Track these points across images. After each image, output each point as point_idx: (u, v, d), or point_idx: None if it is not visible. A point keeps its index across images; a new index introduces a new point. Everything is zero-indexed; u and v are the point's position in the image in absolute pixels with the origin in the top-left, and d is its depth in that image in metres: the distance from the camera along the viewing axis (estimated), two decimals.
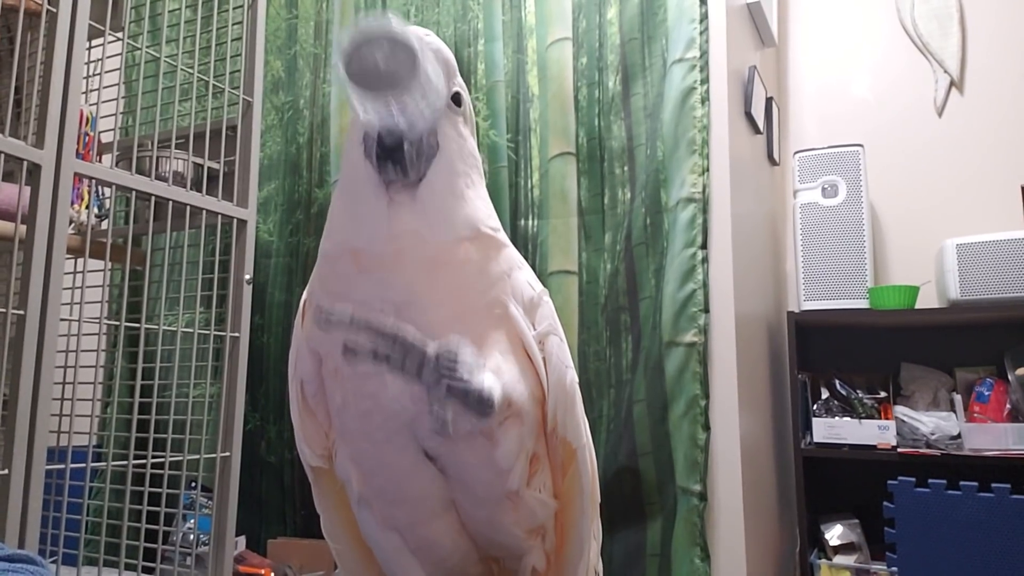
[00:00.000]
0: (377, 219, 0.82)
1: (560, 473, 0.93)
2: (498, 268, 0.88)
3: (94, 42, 1.51)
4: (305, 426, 0.94)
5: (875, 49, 2.60)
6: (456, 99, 0.88)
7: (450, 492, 0.89)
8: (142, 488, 1.55)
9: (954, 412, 2.12)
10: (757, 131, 2.21)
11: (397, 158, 0.80)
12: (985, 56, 2.45)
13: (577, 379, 0.95)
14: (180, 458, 1.53)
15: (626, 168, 1.96)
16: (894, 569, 1.71)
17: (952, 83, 2.46)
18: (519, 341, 0.87)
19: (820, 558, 2.14)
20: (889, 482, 1.73)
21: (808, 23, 2.70)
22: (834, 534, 2.17)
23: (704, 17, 1.88)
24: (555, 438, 0.90)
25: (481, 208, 0.88)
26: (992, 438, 2.00)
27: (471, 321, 0.84)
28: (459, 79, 0.90)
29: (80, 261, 1.40)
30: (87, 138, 1.49)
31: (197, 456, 1.54)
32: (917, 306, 2.17)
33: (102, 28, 1.40)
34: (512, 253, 0.92)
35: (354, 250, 0.83)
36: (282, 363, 2.26)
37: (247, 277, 1.62)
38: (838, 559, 2.12)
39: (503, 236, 0.91)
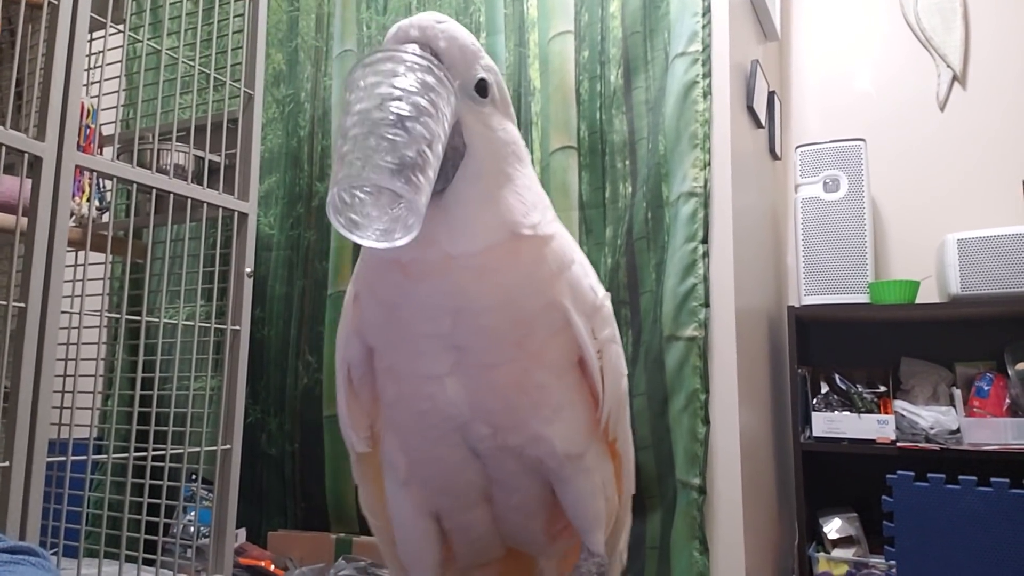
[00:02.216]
0: None
1: None
2: (548, 269, 0.83)
3: (95, 34, 1.50)
4: (351, 409, 0.94)
5: (878, 43, 2.59)
6: (481, 88, 0.81)
7: (490, 489, 0.91)
8: (143, 481, 1.55)
9: (953, 407, 2.12)
10: (759, 125, 2.21)
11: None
12: (988, 51, 2.44)
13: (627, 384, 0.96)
14: (181, 451, 1.53)
15: (627, 162, 1.96)
16: (892, 563, 1.71)
17: (955, 77, 2.46)
18: (577, 350, 0.85)
19: (819, 551, 2.14)
20: (888, 476, 1.73)
21: (811, 17, 2.69)
22: (833, 528, 2.17)
23: (707, 11, 1.87)
24: (606, 439, 0.92)
25: (516, 207, 0.81)
26: (991, 433, 2.00)
27: (528, 328, 0.82)
28: (484, 62, 0.82)
29: (81, 254, 1.40)
30: (88, 131, 1.49)
31: (198, 449, 1.54)
32: (917, 301, 2.17)
33: (103, 20, 1.39)
34: (562, 246, 0.86)
35: (400, 262, 0.79)
36: (282, 356, 2.27)
37: (248, 270, 1.62)
38: (836, 552, 2.13)
39: (548, 228, 0.84)
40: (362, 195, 0.66)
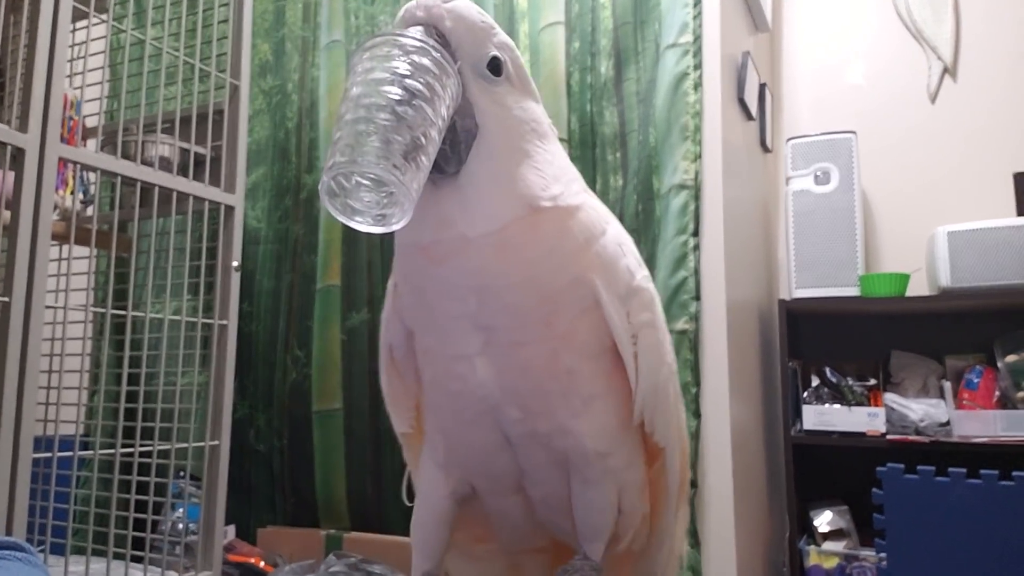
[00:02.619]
0: (425, 209, 0.75)
1: (647, 463, 0.93)
2: (573, 241, 0.80)
3: (78, 24, 1.48)
4: (394, 389, 0.95)
5: (869, 35, 2.59)
6: (494, 66, 0.79)
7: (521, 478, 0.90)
8: (130, 477, 1.54)
9: (943, 399, 2.13)
10: (750, 117, 2.20)
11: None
12: (979, 43, 2.44)
13: (675, 373, 0.93)
14: (168, 447, 1.52)
15: (618, 154, 1.95)
16: (883, 555, 1.72)
17: (945, 70, 2.46)
18: (609, 334, 0.82)
19: (809, 544, 2.15)
20: (878, 469, 1.73)
21: (802, 8, 2.68)
22: (823, 521, 2.18)
23: (698, 1, 1.86)
24: (642, 431, 0.90)
25: (534, 182, 0.79)
26: (981, 425, 2.01)
27: (554, 305, 0.80)
28: (498, 39, 0.80)
29: (65, 248, 1.38)
30: (71, 122, 1.47)
31: (185, 445, 1.52)
32: (908, 294, 2.17)
33: (86, 10, 1.37)
34: (590, 217, 0.83)
35: (420, 246, 0.79)
36: (270, 351, 2.25)
37: (235, 264, 1.61)
38: (827, 545, 2.13)
39: (573, 199, 0.82)
40: (356, 180, 0.66)
